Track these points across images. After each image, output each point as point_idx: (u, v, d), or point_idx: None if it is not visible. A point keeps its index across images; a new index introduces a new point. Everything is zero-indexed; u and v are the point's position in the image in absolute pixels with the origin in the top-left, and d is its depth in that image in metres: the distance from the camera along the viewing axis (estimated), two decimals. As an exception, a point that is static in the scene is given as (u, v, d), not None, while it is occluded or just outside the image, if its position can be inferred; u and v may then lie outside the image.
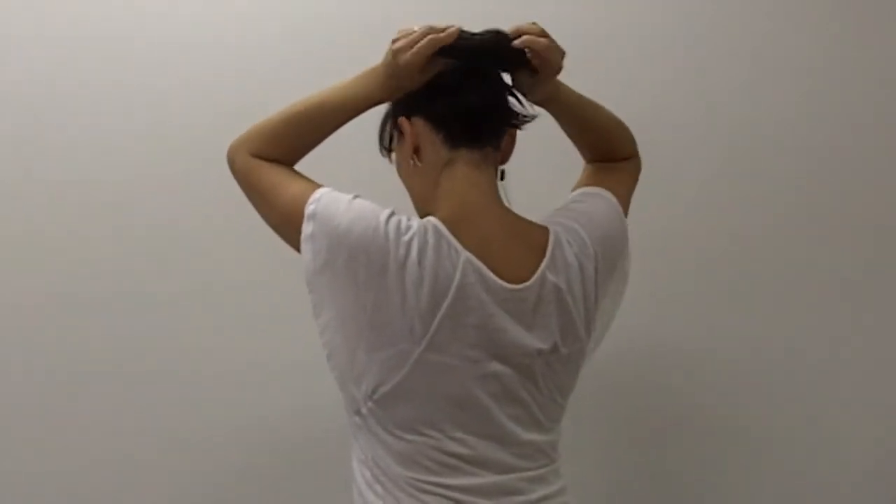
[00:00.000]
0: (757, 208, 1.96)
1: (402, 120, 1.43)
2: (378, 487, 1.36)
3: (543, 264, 1.37)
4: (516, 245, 1.38)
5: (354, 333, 1.33)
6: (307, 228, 1.34)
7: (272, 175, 1.41)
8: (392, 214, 1.34)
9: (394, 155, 1.48)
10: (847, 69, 1.96)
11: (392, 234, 1.31)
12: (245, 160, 1.42)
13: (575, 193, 1.53)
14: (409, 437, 1.35)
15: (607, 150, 1.57)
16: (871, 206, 1.95)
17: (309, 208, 1.35)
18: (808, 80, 1.96)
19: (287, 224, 1.38)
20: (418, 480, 1.35)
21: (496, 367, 1.35)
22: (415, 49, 1.35)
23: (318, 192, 1.36)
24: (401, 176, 1.48)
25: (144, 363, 2.00)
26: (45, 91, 2.01)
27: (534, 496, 1.39)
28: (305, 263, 1.34)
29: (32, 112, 2.01)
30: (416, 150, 1.42)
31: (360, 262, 1.31)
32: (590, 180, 1.55)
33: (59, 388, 1.99)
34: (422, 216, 1.41)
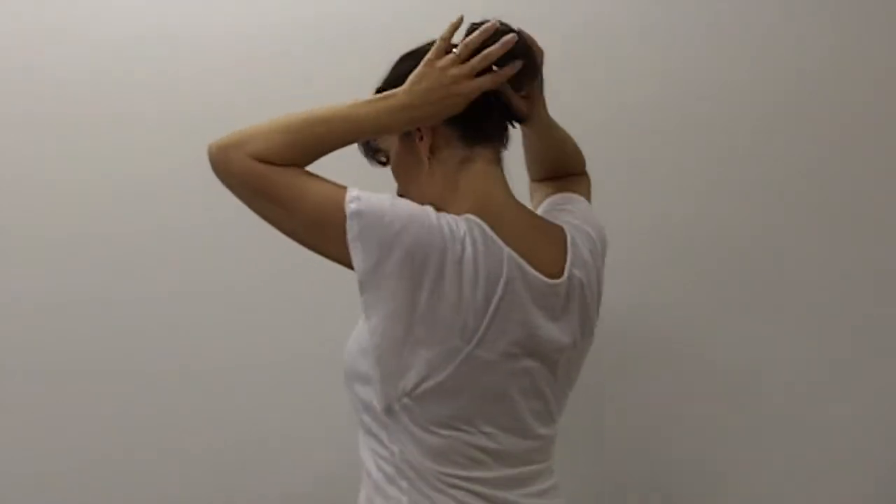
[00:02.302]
0: (757, 207, 1.95)
1: None
2: (403, 483, 1.36)
3: (569, 260, 1.40)
4: (543, 240, 1.40)
5: (402, 331, 1.31)
6: (353, 228, 1.29)
7: (289, 177, 1.32)
8: (437, 212, 1.33)
9: (389, 155, 1.47)
10: (849, 67, 1.96)
11: (447, 232, 1.30)
12: (247, 164, 1.32)
13: (553, 199, 1.54)
14: (444, 432, 1.35)
15: (568, 166, 1.61)
16: (873, 204, 1.95)
17: (350, 207, 1.29)
18: (809, 78, 1.96)
19: (318, 227, 1.32)
20: (447, 475, 1.35)
21: (529, 362, 1.37)
22: (477, 83, 1.34)
23: (354, 191, 1.31)
24: (402, 175, 1.45)
25: (144, 363, 2.00)
26: (45, 90, 2.02)
27: (540, 487, 1.42)
28: (356, 263, 1.30)
29: (33, 111, 2.02)
30: (432, 149, 1.41)
31: (417, 261, 1.29)
32: (557, 191, 1.57)
33: (59, 388, 1.99)
34: None
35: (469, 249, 1.31)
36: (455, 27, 1.35)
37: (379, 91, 1.42)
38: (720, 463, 1.95)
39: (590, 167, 1.93)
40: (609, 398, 1.95)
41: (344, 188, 1.31)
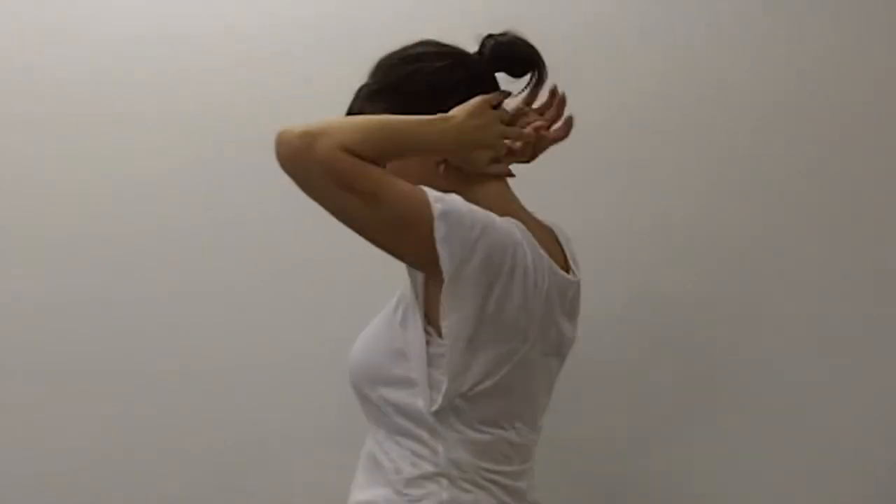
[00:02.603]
0: (757, 207, 1.95)
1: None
2: (444, 480, 1.36)
3: (569, 257, 1.46)
4: (551, 240, 1.45)
5: (471, 332, 1.33)
6: (441, 229, 1.28)
7: (376, 172, 1.29)
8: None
9: None
10: (848, 67, 1.95)
11: (515, 235, 1.33)
12: (337, 153, 1.26)
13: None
14: (489, 430, 1.38)
15: None
16: (873, 204, 1.94)
17: (437, 207, 1.28)
18: (809, 78, 1.96)
19: (402, 225, 1.30)
20: (486, 470, 1.38)
21: (553, 361, 1.45)
22: (515, 151, 1.40)
23: (435, 191, 1.30)
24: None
25: (144, 363, 2.00)
26: (45, 89, 2.02)
27: (532, 479, 1.47)
28: (443, 265, 1.29)
29: (33, 110, 2.02)
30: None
31: (494, 264, 1.31)
32: None
33: (59, 388, 1.99)
34: None
35: (528, 253, 1.34)
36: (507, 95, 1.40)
37: (370, 89, 1.43)
38: (720, 464, 1.94)
39: (590, 167, 1.93)
40: (607, 398, 1.95)
41: (421, 188, 1.31)
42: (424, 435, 1.37)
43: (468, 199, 1.34)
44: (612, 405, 1.95)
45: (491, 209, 1.36)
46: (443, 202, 1.29)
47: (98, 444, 1.98)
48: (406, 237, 1.31)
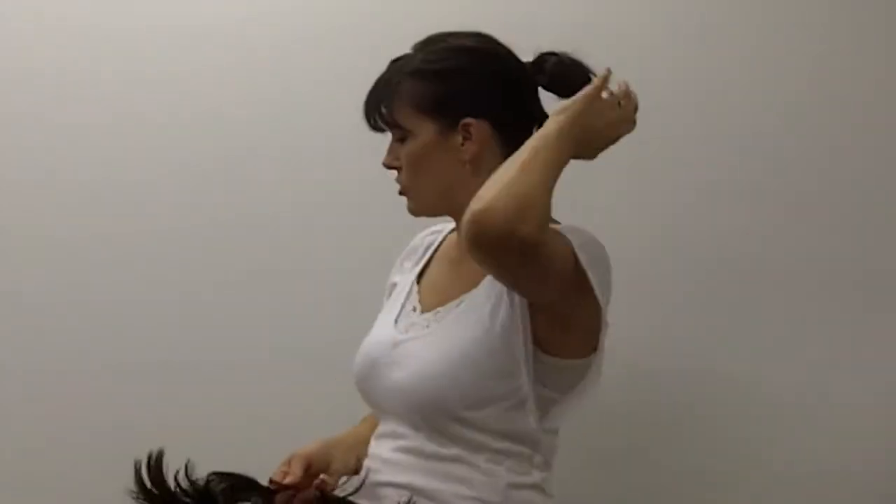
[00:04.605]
0: (757, 207, 1.95)
1: (472, 121, 1.40)
2: (548, 487, 1.43)
3: None
4: None
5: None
6: (592, 277, 1.34)
7: (548, 247, 1.28)
8: None
9: (409, 136, 1.43)
10: (849, 67, 1.95)
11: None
12: (540, 237, 1.24)
13: None
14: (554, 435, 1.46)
15: None
16: (874, 204, 1.94)
17: (582, 258, 1.33)
18: (809, 78, 1.96)
19: (555, 278, 1.32)
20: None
21: None
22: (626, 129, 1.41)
23: (572, 237, 1.35)
24: (424, 168, 1.43)
25: (143, 362, 2.01)
26: (41, 85, 2.02)
27: None
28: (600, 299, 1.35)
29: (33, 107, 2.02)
30: (477, 156, 1.41)
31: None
32: None
33: (58, 389, 2.00)
34: (446, 213, 1.46)
35: None
36: (607, 76, 1.38)
37: (416, 66, 1.42)
38: (719, 467, 1.95)
39: (589, 166, 1.93)
40: (606, 402, 1.95)
41: (564, 242, 1.33)
42: (526, 451, 1.42)
43: None
44: (609, 408, 1.95)
45: None
46: (583, 251, 1.32)
47: (97, 444, 1.99)
48: (553, 285, 1.32)
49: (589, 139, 1.35)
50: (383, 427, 1.48)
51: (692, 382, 1.95)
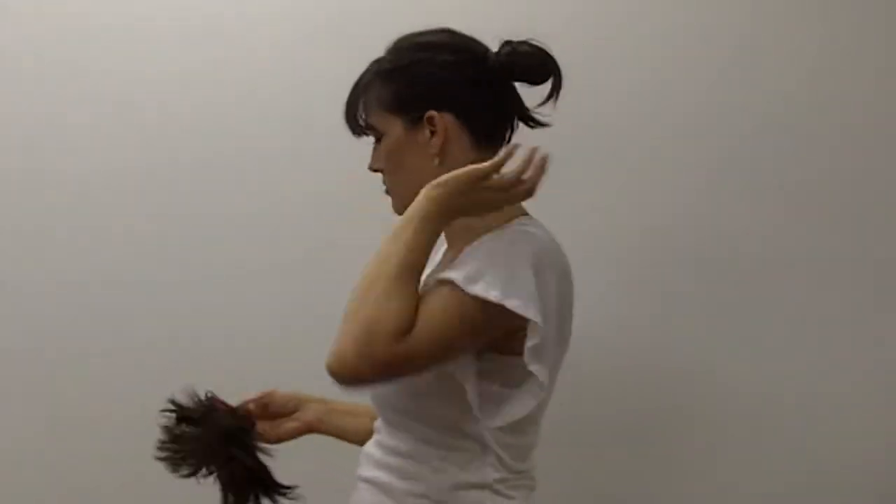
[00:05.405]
0: (757, 207, 1.95)
1: (434, 114, 1.41)
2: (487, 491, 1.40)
3: None
4: None
5: None
6: (513, 303, 1.30)
7: (426, 347, 1.28)
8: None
9: (381, 135, 1.44)
10: (848, 67, 1.95)
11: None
12: (395, 353, 1.25)
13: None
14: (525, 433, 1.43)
15: None
16: (874, 204, 1.94)
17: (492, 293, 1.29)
18: (810, 78, 1.96)
19: (478, 328, 1.32)
20: (520, 473, 1.44)
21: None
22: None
23: (468, 276, 1.31)
24: (398, 165, 1.43)
25: (142, 362, 2.01)
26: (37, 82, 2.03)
27: None
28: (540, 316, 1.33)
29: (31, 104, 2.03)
30: (442, 147, 1.41)
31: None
32: None
33: (57, 391, 2.00)
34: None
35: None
36: (504, 160, 1.30)
37: (383, 67, 1.43)
38: (719, 466, 1.94)
39: (590, 166, 1.93)
40: (605, 402, 1.95)
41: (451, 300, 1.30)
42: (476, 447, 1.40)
43: None
44: (608, 409, 1.95)
45: None
46: (491, 282, 1.28)
47: (98, 444, 2.00)
48: (467, 343, 1.32)
49: (468, 211, 1.34)
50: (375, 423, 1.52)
51: (692, 382, 1.95)
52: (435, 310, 1.29)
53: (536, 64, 1.44)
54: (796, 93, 1.94)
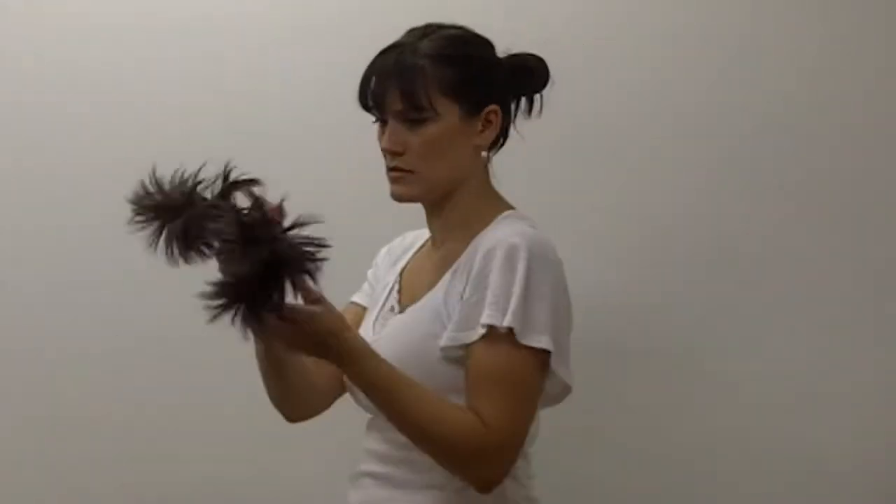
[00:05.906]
0: (756, 207, 1.95)
1: (497, 108, 1.42)
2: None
3: None
4: None
5: None
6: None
7: (518, 424, 1.36)
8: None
9: (431, 121, 1.39)
10: (848, 67, 1.95)
11: None
12: (507, 467, 1.36)
13: None
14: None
15: None
16: (874, 204, 1.94)
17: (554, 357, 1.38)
18: (810, 78, 1.95)
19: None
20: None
21: None
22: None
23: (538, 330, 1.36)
24: (443, 154, 1.40)
25: (143, 363, 2.00)
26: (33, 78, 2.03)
27: None
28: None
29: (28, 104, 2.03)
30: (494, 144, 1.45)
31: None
32: None
33: (57, 391, 2.00)
34: (440, 197, 1.44)
35: None
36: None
37: (442, 53, 1.41)
38: (718, 466, 1.94)
39: (590, 166, 1.93)
40: (605, 402, 1.95)
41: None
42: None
43: (489, 185, 1.44)
44: (606, 408, 1.95)
45: (500, 195, 1.46)
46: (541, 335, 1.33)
47: (97, 444, 2.00)
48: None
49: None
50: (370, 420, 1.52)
51: (692, 381, 1.95)
52: (502, 381, 1.32)
53: (539, 76, 1.48)
54: (796, 93, 1.94)
